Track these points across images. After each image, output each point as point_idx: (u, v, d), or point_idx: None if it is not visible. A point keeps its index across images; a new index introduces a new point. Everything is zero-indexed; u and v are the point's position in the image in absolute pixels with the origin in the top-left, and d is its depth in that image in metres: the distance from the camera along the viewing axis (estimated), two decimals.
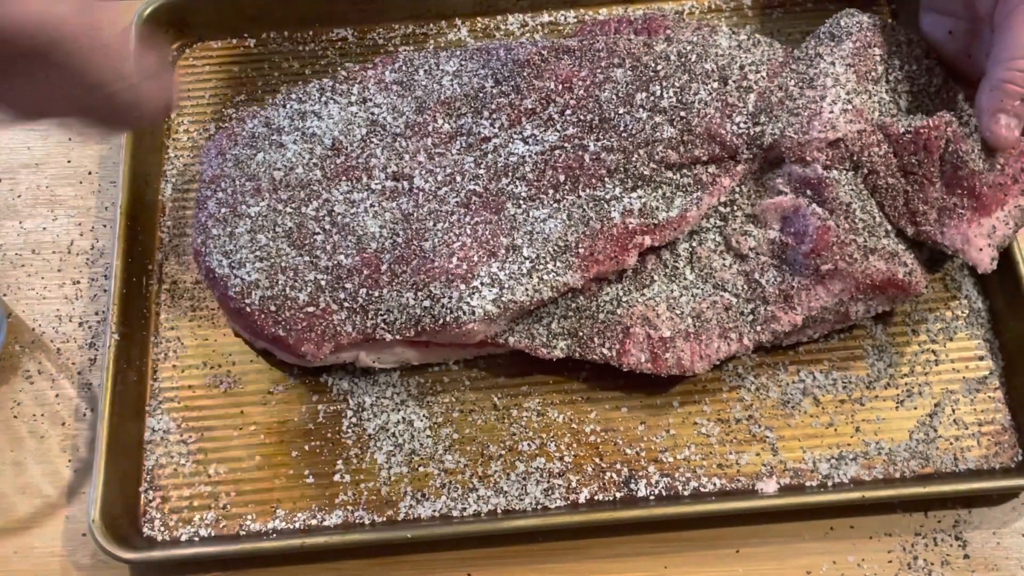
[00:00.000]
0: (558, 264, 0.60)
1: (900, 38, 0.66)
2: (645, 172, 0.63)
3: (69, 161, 0.74)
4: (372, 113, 0.67)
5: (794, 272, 0.62)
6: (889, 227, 0.63)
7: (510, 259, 0.61)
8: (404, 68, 0.68)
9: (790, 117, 0.63)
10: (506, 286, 0.60)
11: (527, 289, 0.60)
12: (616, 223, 0.61)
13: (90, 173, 0.73)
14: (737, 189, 0.65)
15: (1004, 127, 0.60)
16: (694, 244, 0.64)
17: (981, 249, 0.62)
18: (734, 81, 0.64)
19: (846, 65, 0.64)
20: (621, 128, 0.63)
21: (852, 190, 0.62)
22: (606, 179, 0.63)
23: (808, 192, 0.62)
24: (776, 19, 0.78)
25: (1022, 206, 0.62)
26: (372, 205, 0.63)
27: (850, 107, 0.63)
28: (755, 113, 0.63)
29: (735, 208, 0.65)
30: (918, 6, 0.73)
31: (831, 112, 0.62)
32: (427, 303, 0.60)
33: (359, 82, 0.68)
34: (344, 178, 0.64)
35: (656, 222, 0.62)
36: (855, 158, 0.62)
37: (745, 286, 0.63)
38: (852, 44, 0.65)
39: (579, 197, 0.62)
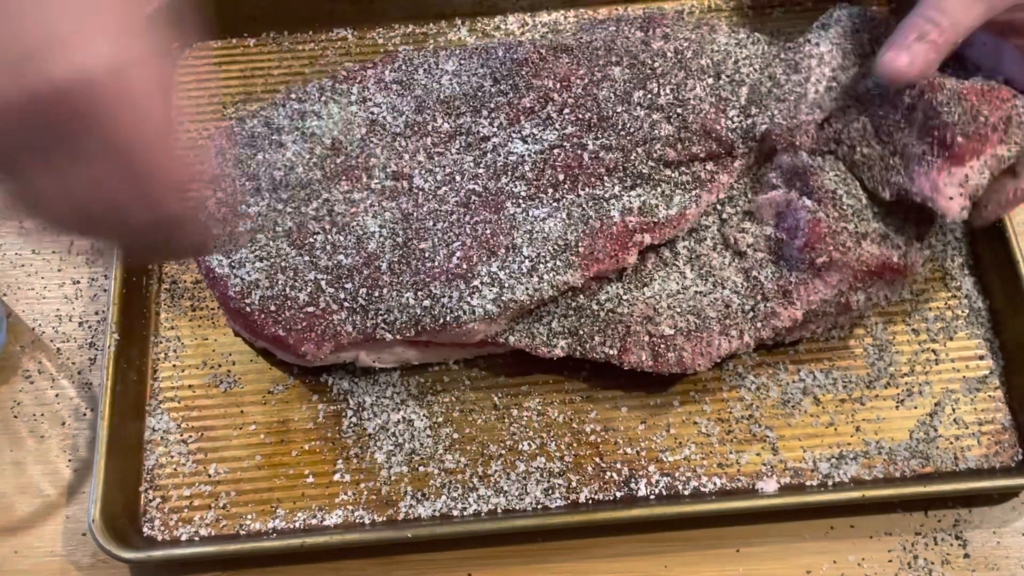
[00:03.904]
0: (558, 263, 0.60)
1: (892, 23, 0.65)
2: (644, 170, 0.63)
3: None
4: (372, 113, 0.67)
5: (791, 267, 0.62)
6: (876, 208, 0.63)
7: (510, 258, 0.61)
8: (404, 67, 0.68)
9: (778, 104, 0.63)
10: (506, 285, 0.60)
11: (527, 288, 0.60)
12: (616, 222, 0.61)
13: None
14: (735, 186, 0.65)
15: (890, 58, 0.59)
16: (693, 242, 0.64)
17: (952, 198, 0.60)
18: (727, 76, 0.65)
19: (832, 44, 0.64)
20: (619, 126, 0.63)
21: (836, 176, 0.62)
22: (605, 178, 0.63)
23: (797, 183, 0.63)
24: (776, 19, 0.78)
25: (999, 155, 0.60)
26: (372, 205, 0.63)
27: (835, 84, 0.63)
28: (747, 105, 0.64)
29: (732, 205, 0.65)
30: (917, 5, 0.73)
31: (816, 92, 0.63)
32: (427, 303, 0.60)
33: (359, 82, 0.68)
34: (344, 178, 0.64)
35: (656, 220, 0.62)
36: (838, 136, 0.62)
37: (744, 283, 0.63)
38: (840, 29, 0.65)
39: (578, 196, 0.62)
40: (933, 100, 0.60)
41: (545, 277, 0.60)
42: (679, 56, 0.65)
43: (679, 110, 0.63)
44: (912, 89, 0.60)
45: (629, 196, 0.62)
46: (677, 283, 0.63)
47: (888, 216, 0.63)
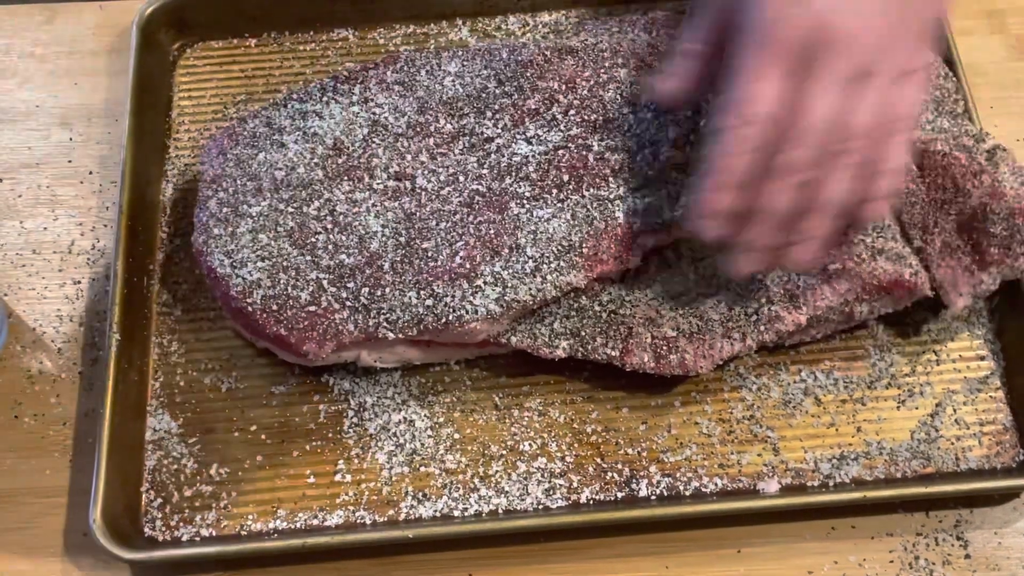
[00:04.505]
0: (562, 264, 0.60)
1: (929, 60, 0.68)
2: (650, 172, 0.63)
3: (70, 161, 0.74)
4: (374, 113, 0.67)
5: (800, 272, 0.62)
6: (898, 230, 0.63)
7: (513, 258, 0.60)
8: (406, 68, 0.68)
9: None
10: (509, 285, 0.60)
11: (530, 288, 0.60)
12: (620, 223, 0.61)
13: (91, 173, 0.73)
14: None
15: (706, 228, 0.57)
16: (697, 244, 0.64)
17: (962, 295, 0.63)
18: None
19: None
20: (626, 128, 0.63)
21: None
22: (610, 179, 0.63)
23: None
24: None
25: (1017, 267, 0.63)
26: (374, 205, 0.63)
27: None
28: None
29: None
30: None
31: None
32: (430, 302, 0.60)
33: (361, 82, 0.68)
34: (346, 178, 0.64)
35: (660, 221, 0.62)
36: None
37: (750, 286, 0.63)
38: None
39: (583, 197, 0.62)
40: (988, 206, 0.62)
41: (548, 277, 0.60)
42: None
43: (689, 112, 0.63)
44: (975, 179, 0.63)
45: (634, 197, 0.62)
46: (680, 285, 0.63)
47: (907, 239, 0.64)
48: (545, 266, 0.60)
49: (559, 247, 0.61)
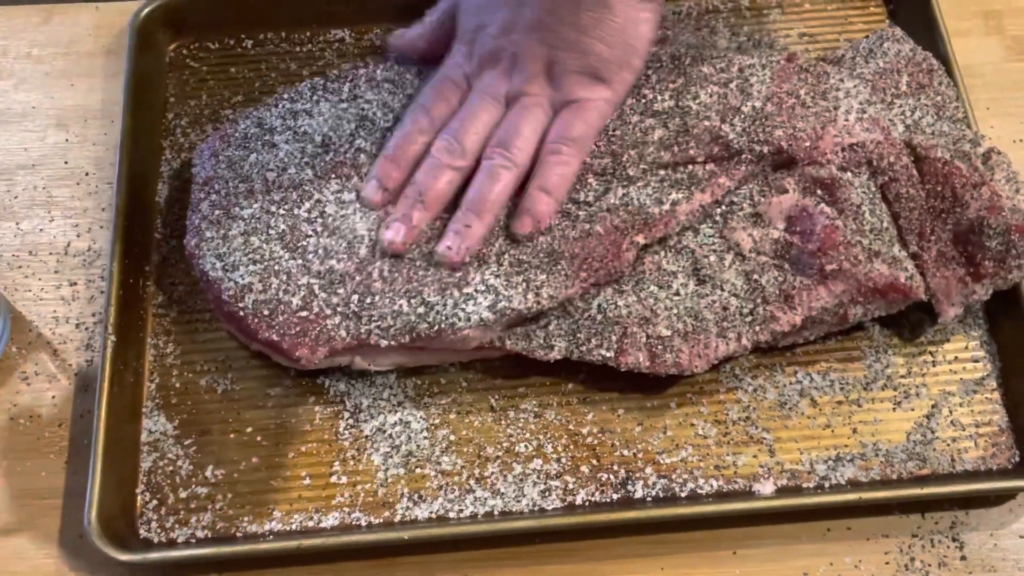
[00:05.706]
0: (553, 275, 0.60)
1: (933, 64, 0.69)
2: (632, 172, 0.63)
3: (66, 162, 0.74)
4: (362, 109, 0.67)
5: (796, 272, 0.62)
6: (895, 234, 0.63)
7: (504, 265, 0.61)
8: (395, 67, 0.69)
9: (802, 122, 0.64)
10: (503, 295, 0.60)
11: (525, 299, 0.60)
12: (607, 222, 0.61)
13: (87, 174, 0.73)
14: (741, 189, 0.64)
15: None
16: (692, 244, 0.64)
17: (953, 304, 0.64)
18: (736, 84, 0.65)
19: (859, 78, 0.66)
20: (609, 129, 0.64)
21: (864, 193, 0.63)
22: (591, 180, 0.63)
23: (819, 191, 0.63)
24: (773, 20, 0.78)
25: (1010, 279, 0.63)
26: (361, 206, 0.63)
27: (865, 115, 0.64)
28: (763, 116, 0.64)
29: (736, 208, 0.64)
30: (918, 5, 0.74)
31: (846, 120, 0.64)
32: (421, 310, 0.60)
33: (350, 80, 0.68)
34: (334, 175, 0.64)
35: (645, 218, 0.62)
36: (874, 163, 0.63)
37: (745, 286, 0.63)
38: (881, 63, 0.67)
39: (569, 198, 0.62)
40: (986, 220, 0.62)
41: (542, 292, 0.60)
42: (676, 62, 0.65)
43: (679, 115, 0.63)
44: (974, 190, 0.63)
45: (617, 197, 0.62)
46: (675, 285, 0.63)
47: (903, 243, 0.64)
48: (534, 278, 0.60)
49: (548, 256, 0.61)
